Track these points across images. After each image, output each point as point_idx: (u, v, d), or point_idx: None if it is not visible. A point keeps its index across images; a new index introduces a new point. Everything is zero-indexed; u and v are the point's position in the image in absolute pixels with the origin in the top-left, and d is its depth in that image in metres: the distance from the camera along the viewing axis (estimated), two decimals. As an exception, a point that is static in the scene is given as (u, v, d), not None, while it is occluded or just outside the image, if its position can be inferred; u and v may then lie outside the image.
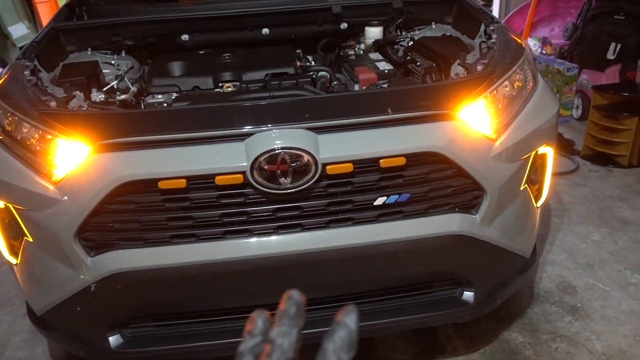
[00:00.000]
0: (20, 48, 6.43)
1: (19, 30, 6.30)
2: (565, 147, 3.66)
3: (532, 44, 4.90)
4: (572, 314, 2.25)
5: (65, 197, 1.49)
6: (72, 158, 1.49)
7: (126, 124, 1.52)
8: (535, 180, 1.93)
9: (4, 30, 6.03)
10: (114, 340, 1.67)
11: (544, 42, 4.78)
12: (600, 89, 3.53)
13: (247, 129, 1.47)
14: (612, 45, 3.96)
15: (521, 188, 1.81)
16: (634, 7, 3.91)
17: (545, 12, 5.08)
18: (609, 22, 4.01)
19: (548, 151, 1.86)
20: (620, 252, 2.63)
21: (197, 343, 1.68)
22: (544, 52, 4.72)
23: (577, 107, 4.16)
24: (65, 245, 1.53)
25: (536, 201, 1.95)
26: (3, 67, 5.83)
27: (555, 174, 3.35)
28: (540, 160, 1.88)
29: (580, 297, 2.34)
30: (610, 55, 3.98)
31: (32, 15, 6.64)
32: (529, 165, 1.82)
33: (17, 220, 1.67)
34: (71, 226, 1.51)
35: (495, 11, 5.97)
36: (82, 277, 1.57)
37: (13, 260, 1.78)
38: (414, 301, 1.77)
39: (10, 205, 1.64)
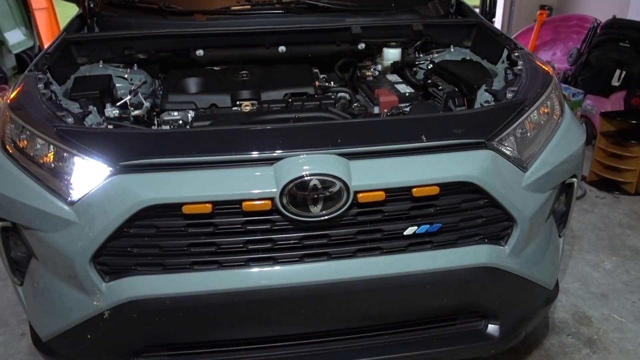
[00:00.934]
0: (16, 55, 6.35)
1: (16, 37, 6.21)
2: (571, 172, 3.65)
3: (535, 67, 4.92)
4: (589, 346, 2.20)
5: (82, 220, 1.42)
6: (91, 178, 1.41)
7: (150, 144, 1.45)
8: (559, 210, 1.89)
9: (0, 36, 5.93)
10: (125, 370, 1.58)
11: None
12: (608, 116, 3.53)
13: (277, 153, 1.41)
14: (617, 71, 3.98)
15: (547, 219, 1.77)
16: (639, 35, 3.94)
17: (548, 37, 5.12)
18: (614, 49, 4.04)
19: (574, 181, 1.82)
20: (633, 282, 2.59)
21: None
22: (546, 76, 4.74)
23: (581, 132, 4.15)
24: (79, 269, 1.45)
25: (560, 231, 1.91)
26: (-1, 73, 5.73)
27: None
28: (565, 191, 1.85)
29: (596, 329, 2.30)
30: (615, 82, 4.00)
31: (29, 22, 6.56)
32: (556, 195, 1.78)
33: (25, 241, 1.59)
34: (87, 250, 1.43)
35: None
36: (95, 303, 1.49)
37: (17, 281, 1.70)
38: (437, 334, 1.71)
39: (18, 225, 1.56)
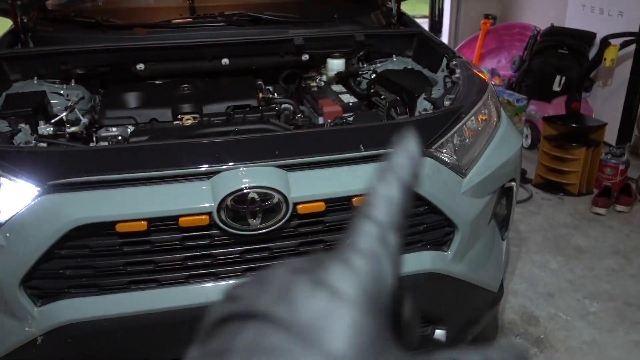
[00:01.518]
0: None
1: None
2: (518, 176, 3.75)
3: (481, 75, 5.05)
4: (537, 346, 2.25)
5: (9, 243, 1.35)
6: (19, 199, 1.35)
7: (80, 162, 1.40)
8: (500, 213, 1.93)
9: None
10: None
11: (493, 73, 4.94)
12: (550, 120, 3.65)
13: (213, 167, 1.39)
14: (558, 77, 4.13)
15: (488, 223, 1.81)
16: (577, 41, 4.11)
17: (492, 45, 5.27)
18: (554, 55, 4.19)
19: (513, 185, 1.87)
20: (577, 280, 2.67)
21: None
22: (493, 83, 4.87)
23: (527, 136, 4.29)
24: (8, 294, 1.38)
25: (502, 234, 1.95)
26: None
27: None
28: (505, 194, 1.89)
29: (543, 328, 2.35)
30: (556, 87, 4.15)
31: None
32: (496, 199, 1.82)
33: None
34: (15, 274, 1.36)
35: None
36: (27, 329, 1.42)
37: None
38: (385, 341, 1.71)
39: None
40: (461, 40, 5.73)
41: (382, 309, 0.28)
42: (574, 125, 3.58)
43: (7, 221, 1.36)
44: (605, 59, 3.77)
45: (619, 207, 3.30)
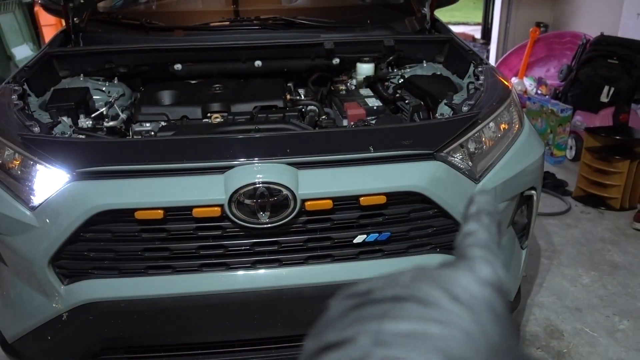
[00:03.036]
0: (23, 69, 6.51)
1: (23, 52, 6.37)
2: (557, 187, 3.66)
3: (528, 83, 4.95)
4: (557, 360, 2.20)
5: (42, 224, 1.48)
6: (51, 185, 1.48)
7: (106, 153, 1.52)
8: (520, 222, 1.92)
9: (8, 51, 6.10)
10: (84, 371, 1.63)
11: (540, 82, 4.83)
12: (593, 131, 3.54)
13: (226, 162, 1.46)
14: (606, 88, 4.00)
15: (505, 230, 1.80)
16: (627, 51, 3.96)
17: (541, 53, 5.15)
18: (603, 65, 4.06)
19: (533, 193, 1.85)
20: (609, 297, 2.59)
21: (170, 377, 1.64)
22: (539, 92, 4.77)
23: (571, 147, 4.17)
24: (39, 272, 1.51)
25: (521, 243, 1.93)
26: (4, 87, 5.89)
27: (547, 215, 3.34)
28: (525, 202, 1.87)
29: (567, 343, 2.30)
30: (603, 98, 4.01)
31: (36, 38, 6.74)
32: (514, 207, 1.81)
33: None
34: (46, 253, 1.49)
35: (493, 50, 6.07)
36: (54, 305, 1.54)
37: (-13, 286, 1.76)
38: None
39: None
40: (510, 47, 5.63)
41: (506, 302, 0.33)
42: (618, 137, 3.46)
43: (40, 204, 1.49)
44: (656, 70, 3.62)
45: (663, 224, 3.17)
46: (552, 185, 3.69)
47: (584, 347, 2.27)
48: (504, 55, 5.50)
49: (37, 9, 6.70)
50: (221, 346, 1.66)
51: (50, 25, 6.94)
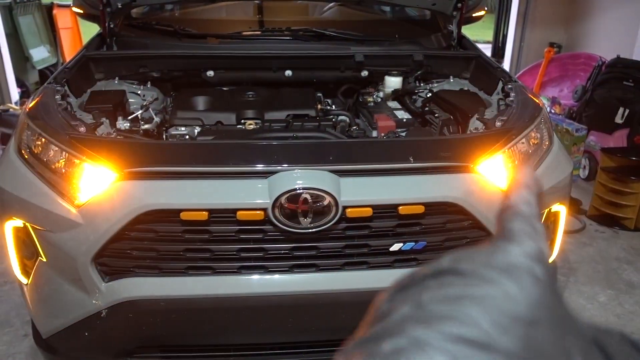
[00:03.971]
0: (40, 71, 6.59)
1: (40, 54, 6.45)
2: (572, 206, 3.69)
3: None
4: (577, 376, 2.22)
5: (87, 222, 1.51)
6: (98, 183, 1.51)
7: (154, 154, 1.56)
8: (547, 237, 1.95)
9: (25, 52, 6.17)
10: (118, 369, 1.65)
11: (553, 101, 4.88)
12: (609, 152, 3.59)
13: (271, 167, 1.50)
14: (621, 109, 4.05)
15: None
16: (643, 74, 4.02)
17: (555, 73, 5.21)
18: (618, 87, 4.11)
19: (561, 209, 1.89)
20: (626, 315, 2.61)
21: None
22: (553, 111, 4.82)
23: (585, 167, 4.21)
24: (81, 268, 1.54)
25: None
26: (21, 88, 5.94)
27: (562, 232, 3.37)
28: (552, 218, 1.91)
29: None
30: (618, 120, 4.06)
31: (53, 40, 6.82)
32: (542, 222, 1.84)
33: (34, 240, 1.68)
34: (89, 250, 1.52)
35: (506, 69, 6.13)
36: (94, 302, 1.57)
37: (24, 280, 1.78)
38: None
39: (28, 225, 1.66)
40: (523, 66, 5.69)
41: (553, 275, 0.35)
42: (634, 158, 3.50)
43: (86, 202, 1.52)
44: (672, 94, 3.67)
45: (677, 246, 3.20)
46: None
47: (602, 364, 2.28)
48: (517, 74, 5.56)
49: (56, 12, 6.80)
50: (254, 349, 1.69)
51: (67, 29, 7.03)
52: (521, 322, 0.28)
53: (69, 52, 6.90)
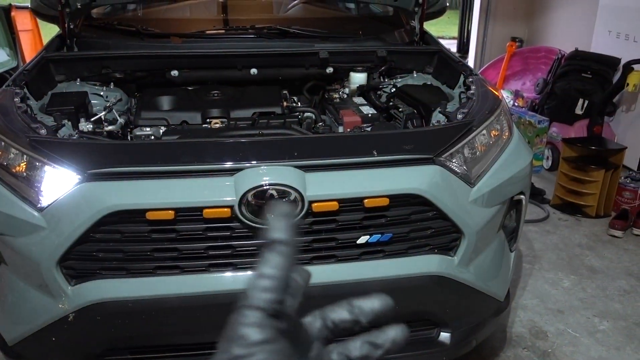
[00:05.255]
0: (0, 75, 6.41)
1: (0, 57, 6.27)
2: (536, 196, 3.79)
3: (505, 96, 5.12)
4: (543, 359, 2.29)
5: (50, 225, 1.49)
6: (61, 186, 1.49)
7: (117, 154, 1.54)
8: (509, 225, 2.00)
9: (-16, 56, 6.00)
10: (87, 373, 1.63)
11: (516, 95, 5.00)
12: (570, 142, 3.70)
13: (236, 164, 1.51)
14: (580, 101, 4.18)
15: (496, 233, 1.88)
16: (600, 66, 4.15)
17: (517, 67, 5.34)
18: (577, 79, 4.24)
19: (522, 198, 1.94)
20: (589, 299, 2.70)
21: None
22: (516, 104, 4.93)
23: (548, 157, 4.33)
24: (46, 273, 1.52)
25: (510, 246, 2.02)
26: (-19, 92, 5.77)
27: (527, 222, 3.46)
28: (514, 207, 1.96)
29: (551, 343, 2.39)
30: (578, 111, 4.19)
31: (13, 43, 6.64)
32: (505, 211, 1.89)
33: (-4, 247, 1.65)
34: (54, 254, 1.50)
35: (470, 64, 6.24)
36: (60, 306, 1.55)
37: (-14, 288, 1.75)
38: (391, 341, 1.79)
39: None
40: (487, 61, 5.81)
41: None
42: (593, 147, 3.62)
43: (49, 205, 1.50)
44: (627, 84, 3.81)
45: (636, 231, 3.32)
46: (531, 193, 3.82)
47: (567, 347, 2.36)
48: (482, 69, 5.67)
49: (14, 13, 6.62)
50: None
51: (27, 31, 6.86)
52: None
53: (30, 54, 6.73)
